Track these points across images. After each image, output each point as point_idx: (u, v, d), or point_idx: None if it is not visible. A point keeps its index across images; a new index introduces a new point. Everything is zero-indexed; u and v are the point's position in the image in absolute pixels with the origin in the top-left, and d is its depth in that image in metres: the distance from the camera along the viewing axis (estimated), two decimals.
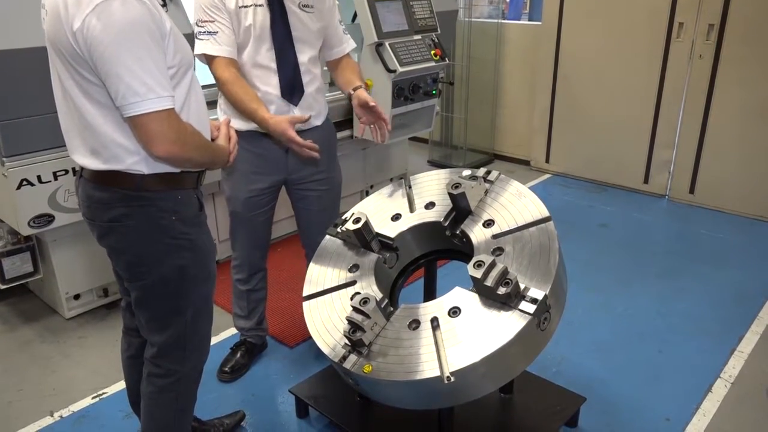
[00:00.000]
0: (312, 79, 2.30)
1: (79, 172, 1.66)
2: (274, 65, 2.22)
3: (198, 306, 1.76)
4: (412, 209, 2.10)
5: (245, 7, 2.16)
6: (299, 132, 2.32)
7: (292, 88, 2.24)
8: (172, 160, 1.53)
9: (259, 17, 2.17)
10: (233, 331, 2.83)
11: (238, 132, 2.29)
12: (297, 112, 2.28)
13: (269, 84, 2.23)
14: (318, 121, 2.37)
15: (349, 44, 2.45)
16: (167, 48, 1.49)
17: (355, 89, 2.37)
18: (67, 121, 1.58)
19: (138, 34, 1.40)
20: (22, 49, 2.37)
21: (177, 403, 1.85)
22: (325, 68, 2.49)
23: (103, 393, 2.53)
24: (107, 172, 1.56)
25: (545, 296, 1.62)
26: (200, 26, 2.17)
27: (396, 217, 2.09)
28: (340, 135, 2.60)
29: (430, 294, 2.30)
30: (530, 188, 1.97)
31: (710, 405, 2.42)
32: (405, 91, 3.56)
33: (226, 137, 1.76)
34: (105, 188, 1.58)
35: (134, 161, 1.55)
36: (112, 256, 1.71)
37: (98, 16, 1.37)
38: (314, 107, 2.33)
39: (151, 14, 1.43)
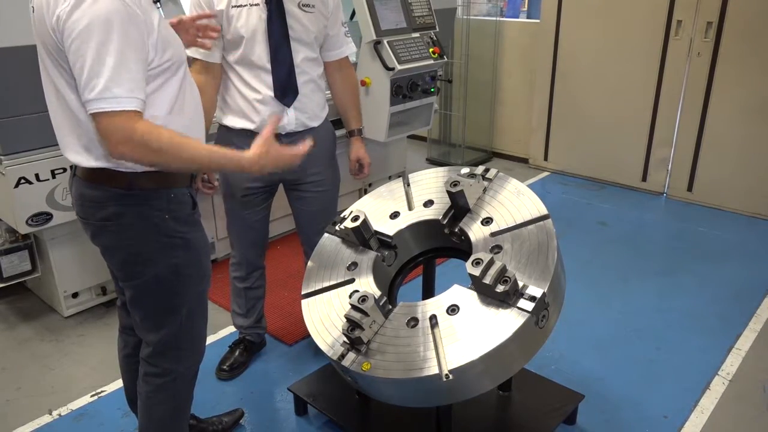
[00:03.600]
0: (308, 80, 2.29)
1: (72, 171, 1.66)
2: (268, 65, 2.21)
3: (193, 305, 1.75)
4: (410, 207, 2.10)
5: (239, 6, 2.15)
6: (294, 133, 2.32)
7: (285, 89, 2.23)
8: (129, 160, 1.47)
9: (253, 17, 2.16)
10: (232, 329, 2.83)
11: (231, 130, 2.30)
12: (291, 113, 2.27)
13: (263, 84, 2.22)
14: (315, 123, 2.36)
15: (349, 48, 2.44)
16: (154, 46, 1.47)
17: (351, 133, 2.55)
18: (58, 118, 1.57)
19: (104, 31, 1.37)
20: (19, 47, 2.36)
21: (173, 401, 1.85)
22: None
23: (102, 391, 2.53)
24: (99, 170, 1.55)
25: (543, 294, 1.63)
26: None
27: (394, 215, 2.09)
28: (338, 133, 2.60)
29: (428, 292, 2.30)
30: (528, 186, 1.98)
31: (708, 402, 2.43)
32: (403, 89, 3.56)
33: (259, 145, 1.58)
34: (97, 186, 1.57)
35: None
36: (105, 255, 1.71)
37: (70, 9, 1.36)
38: (309, 108, 2.32)
39: (127, 11, 1.40)
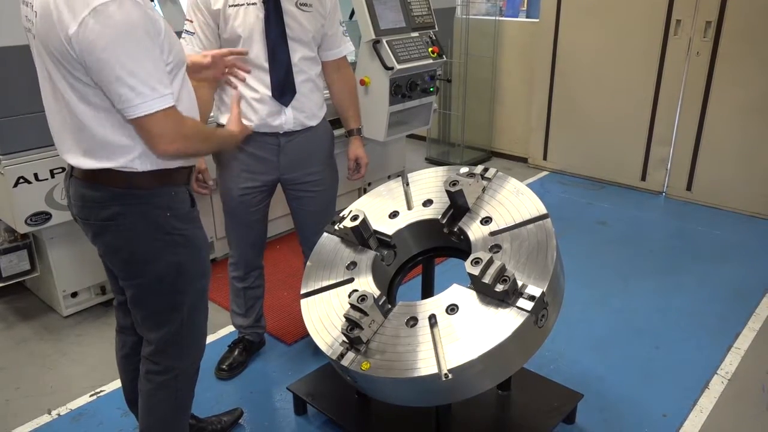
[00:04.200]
0: (306, 79, 2.28)
1: (69, 172, 1.66)
2: (266, 65, 2.20)
3: (194, 301, 1.76)
4: (409, 207, 2.10)
5: (236, 6, 2.15)
6: (292, 132, 2.32)
7: (282, 88, 2.22)
8: (179, 155, 1.56)
9: (250, 16, 2.15)
10: (231, 328, 2.83)
11: None
12: (288, 112, 2.27)
13: (261, 83, 2.22)
14: (313, 122, 2.35)
15: (347, 47, 2.43)
16: (161, 46, 1.49)
17: (350, 133, 2.53)
18: (58, 122, 1.57)
19: (136, 36, 1.40)
20: (19, 46, 2.36)
21: (175, 399, 1.85)
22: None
23: (101, 391, 2.53)
24: (101, 171, 1.56)
25: (543, 293, 1.63)
26: (185, 24, 2.20)
27: (394, 215, 2.09)
28: (337, 132, 2.59)
29: (427, 291, 2.30)
30: (528, 185, 1.98)
31: (707, 401, 2.43)
32: (402, 88, 3.56)
33: (236, 120, 1.83)
34: (99, 187, 1.58)
35: (129, 159, 1.55)
36: (106, 255, 1.71)
37: (95, 19, 1.36)
38: (307, 108, 2.31)
39: (147, 15, 1.44)
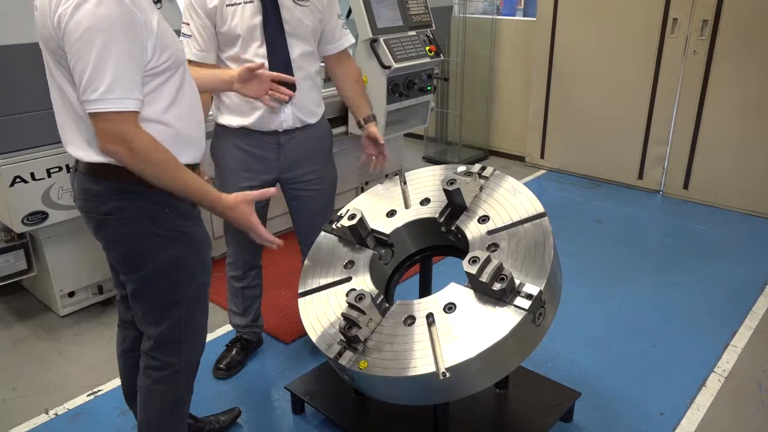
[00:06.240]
0: (305, 76, 2.28)
1: (74, 166, 1.67)
2: (265, 62, 2.20)
3: (193, 298, 1.76)
4: (407, 205, 2.10)
5: (233, 5, 2.15)
6: (291, 130, 2.31)
7: (282, 86, 2.22)
8: (118, 160, 1.51)
9: (247, 14, 2.15)
10: (229, 328, 2.83)
11: (229, 129, 2.30)
12: (288, 110, 2.26)
13: None
14: (312, 120, 2.35)
15: (347, 40, 2.42)
16: (153, 47, 1.49)
17: (365, 120, 2.44)
18: (62, 114, 1.59)
19: (107, 33, 1.39)
20: (14, 45, 2.36)
21: (174, 395, 1.85)
22: (322, 64, 2.47)
23: (99, 390, 2.53)
24: (101, 165, 1.56)
25: (540, 292, 1.63)
26: (182, 27, 2.20)
27: (391, 214, 2.09)
28: (335, 131, 2.59)
29: (425, 290, 2.30)
30: (525, 184, 1.98)
31: (704, 399, 2.44)
32: (400, 87, 3.56)
33: (240, 201, 1.73)
34: (99, 181, 1.59)
35: None
36: (107, 248, 1.72)
37: (72, 11, 1.38)
38: (306, 105, 2.31)
39: (129, 14, 1.42)
